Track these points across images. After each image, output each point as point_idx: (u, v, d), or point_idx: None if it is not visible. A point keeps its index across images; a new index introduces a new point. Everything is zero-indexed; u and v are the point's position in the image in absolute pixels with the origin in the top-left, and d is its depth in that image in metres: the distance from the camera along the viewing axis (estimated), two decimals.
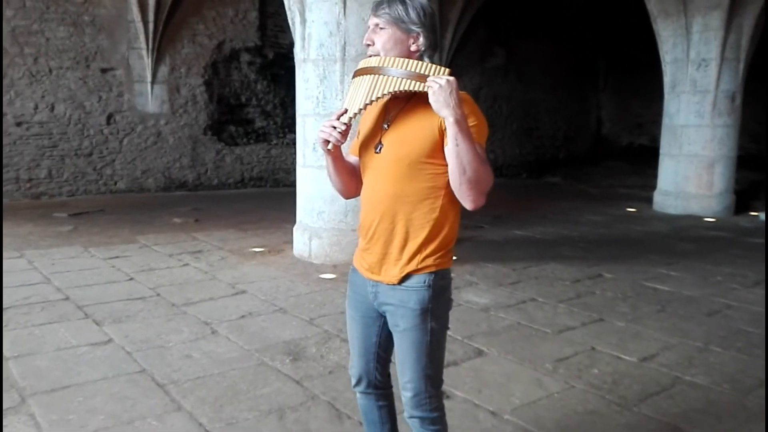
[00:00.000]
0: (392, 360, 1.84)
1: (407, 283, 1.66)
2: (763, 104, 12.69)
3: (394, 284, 1.67)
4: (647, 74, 12.26)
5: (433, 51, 1.69)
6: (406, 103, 1.67)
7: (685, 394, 2.84)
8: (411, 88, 1.58)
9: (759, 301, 4.38)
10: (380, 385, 1.87)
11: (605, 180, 12.85)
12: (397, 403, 1.90)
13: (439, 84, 1.51)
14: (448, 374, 2.97)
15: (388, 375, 1.90)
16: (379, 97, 1.62)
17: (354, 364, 1.88)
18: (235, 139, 10.77)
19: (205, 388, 2.81)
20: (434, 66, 1.57)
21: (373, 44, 1.67)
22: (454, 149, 1.52)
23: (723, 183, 8.57)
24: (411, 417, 1.75)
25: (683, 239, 6.79)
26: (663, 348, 3.42)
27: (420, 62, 1.60)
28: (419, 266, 1.65)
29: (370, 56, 1.68)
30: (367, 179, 1.74)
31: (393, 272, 1.67)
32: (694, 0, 8.18)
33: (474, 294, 4.45)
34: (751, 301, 4.39)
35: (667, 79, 8.82)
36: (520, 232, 7.09)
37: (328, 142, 1.67)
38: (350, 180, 1.82)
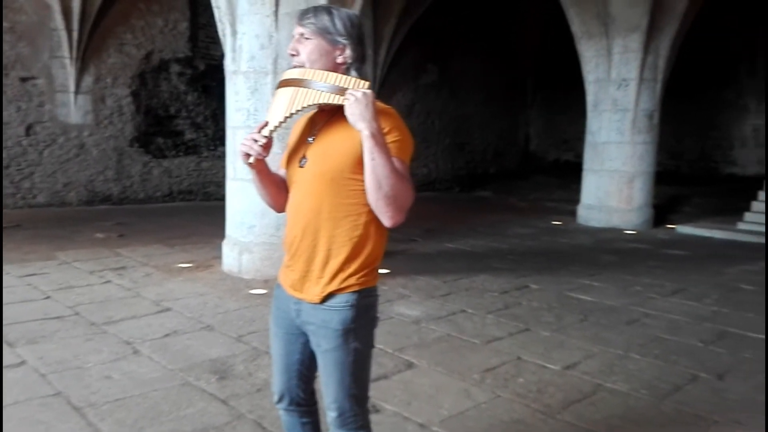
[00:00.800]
0: (316, 376, 1.81)
1: (329, 302, 1.62)
2: (679, 122, 13.48)
3: (316, 303, 1.63)
4: (572, 93, 12.78)
5: (361, 63, 1.65)
6: (332, 116, 1.64)
7: (606, 401, 2.94)
8: (330, 102, 1.56)
9: (675, 309, 4.61)
10: (303, 403, 1.84)
11: (533, 194, 13.27)
12: (323, 418, 1.88)
13: (355, 97, 1.49)
14: (377, 388, 2.97)
15: (312, 392, 1.87)
16: (299, 110, 1.59)
17: (276, 380, 1.83)
18: (164, 151, 10.46)
19: (124, 410, 2.69)
20: (354, 79, 1.55)
21: (298, 54, 1.63)
22: (370, 163, 1.49)
23: (642, 197, 9.00)
24: None
25: (605, 251, 7.08)
26: (585, 356, 3.54)
27: (340, 75, 1.57)
28: (342, 285, 1.61)
29: (295, 67, 1.64)
30: (292, 193, 1.70)
31: (315, 291, 1.63)
32: (615, 23, 8.61)
33: (405, 307, 4.47)
34: (668, 309, 4.61)
35: (589, 98, 9.22)
36: (451, 245, 7.20)
37: (250, 155, 1.63)
38: (278, 193, 1.77)
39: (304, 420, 1.87)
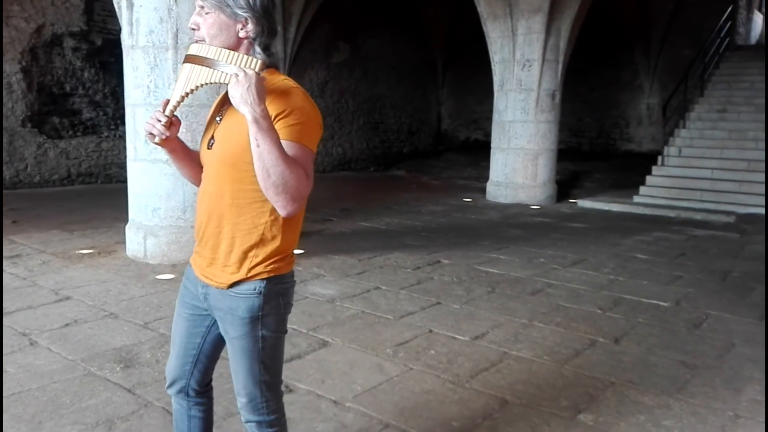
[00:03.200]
0: (215, 367, 1.78)
1: (236, 289, 1.55)
2: (580, 102, 14.15)
3: (223, 289, 1.57)
4: (481, 73, 13.08)
5: (269, 38, 1.55)
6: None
7: (511, 368, 3.08)
8: (217, 81, 1.47)
9: (576, 279, 4.87)
10: (193, 393, 1.76)
11: (445, 172, 13.56)
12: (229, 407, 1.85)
13: (237, 77, 1.40)
14: (291, 368, 2.97)
15: (207, 384, 1.80)
16: (194, 89, 1.51)
17: (170, 364, 1.76)
18: (60, 131, 9.82)
19: (20, 404, 2.54)
20: (244, 57, 1.46)
21: (199, 28, 1.53)
22: (256, 150, 1.39)
23: (546, 174, 9.41)
24: (248, 422, 1.68)
25: (512, 226, 7.36)
26: (493, 326, 3.68)
27: (231, 53, 1.47)
28: (249, 274, 1.54)
29: (196, 42, 1.54)
30: (202, 176, 1.62)
31: (222, 278, 1.57)
32: (519, 4, 8.87)
33: (320, 286, 4.47)
34: (569, 279, 4.87)
35: (496, 78, 9.49)
36: (366, 224, 7.25)
37: (154, 135, 1.55)
38: (200, 172, 1.67)
39: (193, 413, 1.79)
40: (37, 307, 3.80)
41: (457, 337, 3.49)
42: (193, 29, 1.55)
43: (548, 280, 4.81)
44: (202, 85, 1.50)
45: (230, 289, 1.56)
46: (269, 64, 1.55)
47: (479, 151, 13.80)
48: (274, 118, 1.44)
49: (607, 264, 5.39)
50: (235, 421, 2.43)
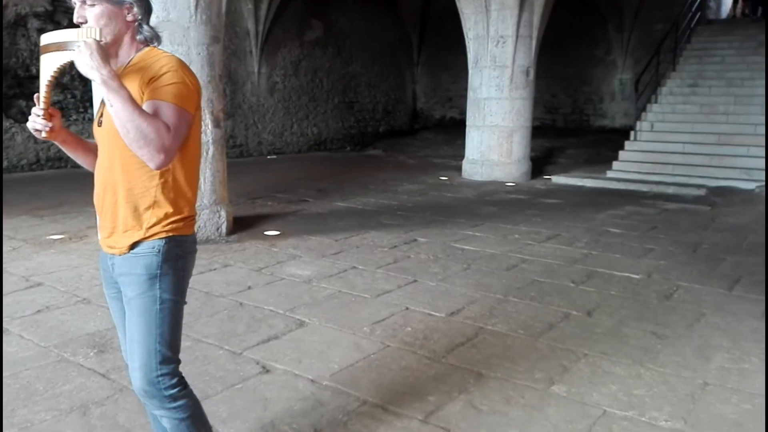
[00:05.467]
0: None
1: (136, 250, 1.61)
2: (554, 78, 14.19)
3: (124, 254, 1.62)
4: (455, 50, 13.04)
5: (150, 16, 1.67)
6: (122, 74, 1.60)
7: (486, 343, 3.12)
8: (68, 59, 1.51)
9: (550, 254, 4.93)
10: None
11: (422, 151, 13.55)
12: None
13: (79, 48, 1.46)
14: (268, 349, 2.97)
15: None
16: (55, 76, 1.54)
17: (121, 345, 1.78)
18: (27, 115, 9.52)
19: None
20: (87, 29, 1.50)
21: (86, 21, 1.58)
22: (111, 110, 1.46)
23: (521, 151, 9.46)
24: (144, 398, 1.67)
25: (487, 203, 7.41)
26: (468, 302, 3.72)
27: (72, 30, 1.50)
28: (147, 234, 1.60)
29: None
30: (98, 154, 1.69)
31: (122, 242, 1.62)
32: None
33: (297, 267, 4.46)
34: (543, 254, 4.92)
35: (470, 55, 9.45)
36: (343, 204, 7.23)
37: (40, 131, 1.59)
38: (95, 156, 1.74)
39: None
40: (8, 294, 3.73)
41: (434, 313, 3.52)
42: (81, 22, 1.59)
43: (523, 256, 4.86)
44: (59, 69, 1.54)
45: (130, 252, 1.61)
46: (149, 40, 1.65)
47: (455, 129, 13.81)
48: (148, 83, 1.53)
49: (581, 239, 5.46)
50: (211, 402, 2.43)
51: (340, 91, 14.86)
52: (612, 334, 3.25)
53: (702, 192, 7.90)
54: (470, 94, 9.63)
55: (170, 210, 1.62)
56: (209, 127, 5.27)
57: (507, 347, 3.07)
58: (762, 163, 8.52)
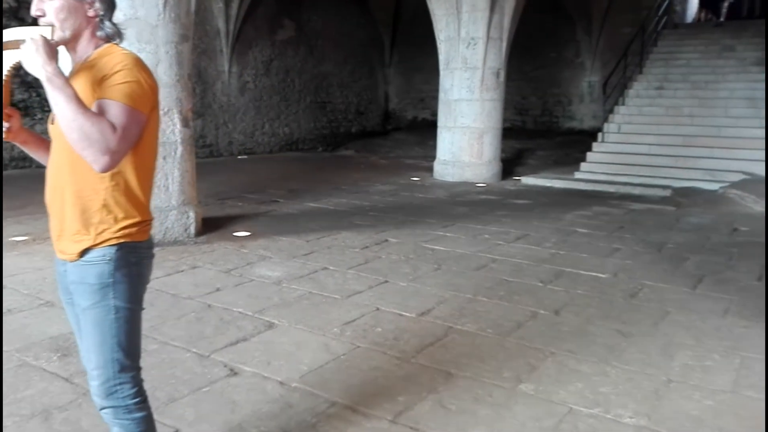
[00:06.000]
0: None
1: (86, 257, 1.54)
2: (524, 80, 14.36)
3: (75, 261, 1.55)
4: (427, 51, 13.09)
5: (112, 12, 1.60)
6: (78, 71, 1.56)
7: (456, 342, 3.14)
8: (18, 57, 1.46)
9: (519, 253, 4.98)
10: None
11: (394, 152, 13.58)
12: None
13: (26, 45, 1.41)
14: (236, 351, 2.94)
15: None
16: (8, 75, 1.49)
17: (81, 351, 1.72)
18: None
19: None
20: (33, 28, 1.46)
21: (44, 15, 1.52)
22: (55, 109, 1.40)
23: (491, 152, 9.55)
24: (102, 408, 1.63)
25: (458, 203, 7.46)
26: (438, 302, 3.74)
27: (26, 28, 1.46)
28: (97, 241, 1.53)
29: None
30: (50, 153, 1.62)
31: (72, 248, 1.55)
32: None
33: (267, 268, 4.43)
34: (512, 254, 4.97)
35: (441, 57, 9.51)
36: (314, 204, 7.20)
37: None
38: None
39: None
40: None
41: (404, 314, 3.52)
42: (39, 16, 1.53)
43: (492, 256, 4.91)
44: (12, 68, 1.49)
45: (81, 259, 1.54)
46: (110, 37, 1.59)
47: (427, 130, 13.87)
48: (100, 81, 1.47)
49: (549, 238, 5.53)
50: (177, 406, 2.40)
51: (312, 91, 14.81)
52: (579, 332, 3.30)
53: (667, 193, 8.07)
54: (442, 95, 9.68)
55: (121, 215, 1.55)
56: (177, 126, 5.21)
57: (476, 346, 3.09)
58: (724, 164, 8.74)
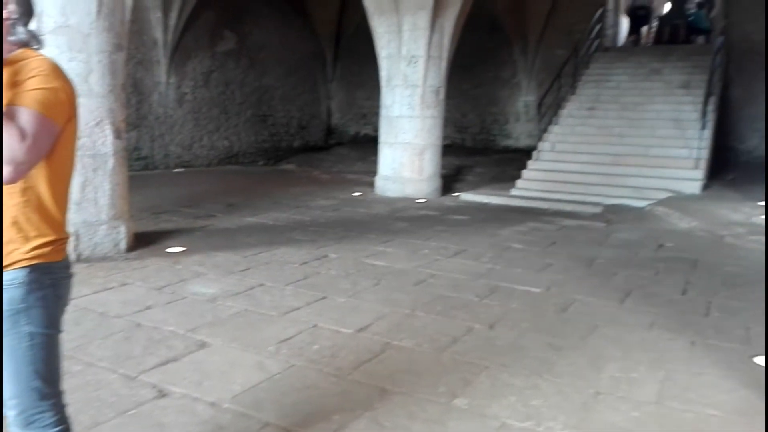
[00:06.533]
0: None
1: None
2: (463, 98, 14.67)
3: None
4: (369, 67, 13.19)
5: (29, 17, 1.53)
6: None
7: (392, 358, 3.14)
8: None
9: (456, 269, 5.05)
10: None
11: (336, 166, 13.55)
12: None
13: None
14: (165, 372, 2.85)
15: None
16: None
17: None
18: None
19: None
20: None
21: None
22: None
23: (432, 168, 9.67)
24: None
25: (399, 219, 7.51)
26: (377, 318, 3.74)
27: None
28: (6, 263, 1.44)
29: None
30: None
31: None
32: (404, 0, 9.02)
33: (201, 285, 4.32)
34: (450, 269, 5.04)
35: (383, 73, 9.60)
36: (253, 219, 7.10)
37: None
38: None
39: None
40: None
41: (342, 330, 3.50)
42: None
43: (431, 271, 4.95)
44: None
45: None
46: (24, 43, 1.50)
47: (369, 145, 13.92)
48: (11, 87, 1.39)
49: (486, 254, 5.63)
50: (102, 430, 2.30)
51: (253, 104, 14.64)
52: (512, 346, 3.36)
53: (598, 209, 8.37)
54: (383, 111, 9.76)
55: (33, 233, 1.45)
56: (110, 138, 5.04)
57: (412, 362, 3.10)
58: (651, 182, 9.16)
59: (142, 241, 5.45)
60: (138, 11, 11.39)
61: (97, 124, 4.94)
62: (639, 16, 14.97)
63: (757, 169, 10.92)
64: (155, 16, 11.85)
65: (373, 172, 10.31)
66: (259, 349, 3.17)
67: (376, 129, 10.94)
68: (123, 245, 5.12)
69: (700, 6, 14.95)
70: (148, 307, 3.78)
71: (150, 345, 3.17)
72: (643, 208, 8.38)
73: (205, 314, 3.70)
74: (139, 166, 11.80)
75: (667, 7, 14.83)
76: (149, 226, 6.29)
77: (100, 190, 5.02)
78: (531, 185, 9.75)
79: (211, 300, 3.98)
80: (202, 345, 3.21)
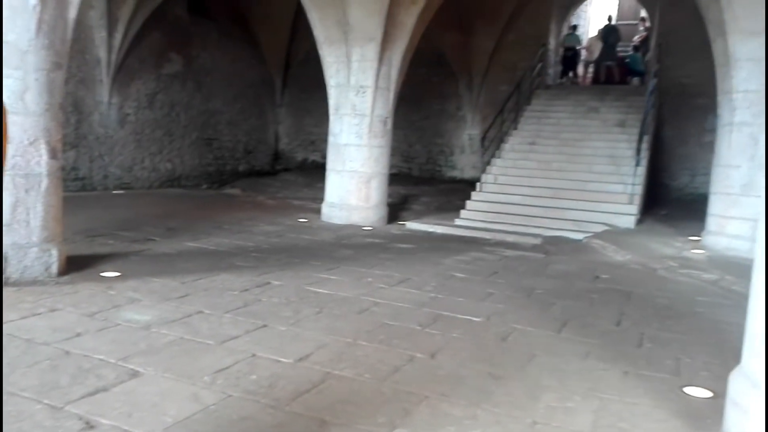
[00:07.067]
0: None
1: None
2: (411, 129, 14.90)
3: None
4: (317, 95, 13.27)
5: None
6: None
7: (332, 388, 3.10)
8: None
9: (400, 297, 5.06)
10: None
11: (282, 192, 13.47)
12: None
13: None
14: (93, 402, 2.72)
15: None
16: None
17: None
18: None
19: None
20: None
21: None
22: None
23: (378, 196, 9.74)
24: None
25: (344, 246, 7.49)
26: (318, 347, 3.69)
27: None
28: None
29: None
30: None
31: None
32: (354, 32, 9.15)
33: (135, 311, 4.17)
34: (394, 298, 5.04)
35: (331, 102, 9.67)
36: (193, 244, 6.94)
37: None
38: None
39: None
40: None
41: (281, 360, 3.44)
42: None
43: (375, 299, 4.94)
44: None
45: None
46: None
47: (316, 172, 13.92)
48: None
49: (429, 282, 5.68)
50: None
51: (198, 127, 14.44)
52: (452, 375, 3.38)
53: (538, 241, 8.59)
54: (331, 139, 9.80)
55: None
56: (44, 157, 4.86)
57: (353, 392, 3.07)
58: (589, 216, 9.49)
59: (75, 265, 5.24)
60: (81, 29, 11.14)
61: (32, 143, 4.76)
62: (567, 57, 15.68)
63: (688, 205, 11.50)
64: (99, 35, 11.61)
65: (320, 199, 10.28)
66: (194, 379, 3.07)
67: (323, 156, 10.98)
68: (54, 269, 4.91)
69: (636, 49, 15.82)
70: (78, 334, 3.62)
71: (78, 374, 3.03)
72: (580, 240, 8.65)
73: (139, 342, 3.56)
74: (77, 186, 11.40)
75: (599, 48, 15.65)
76: (83, 249, 6.06)
77: (32, 212, 4.82)
78: (475, 215, 9.94)
79: (146, 327, 3.85)
80: (134, 374, 3.09)
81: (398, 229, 9.41)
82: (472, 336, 4.12)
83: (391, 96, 9.61)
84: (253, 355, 3.48)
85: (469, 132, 14.87)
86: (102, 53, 11.77)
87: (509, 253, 7.72)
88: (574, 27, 16.48)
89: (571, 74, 15.91)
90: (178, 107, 13.78)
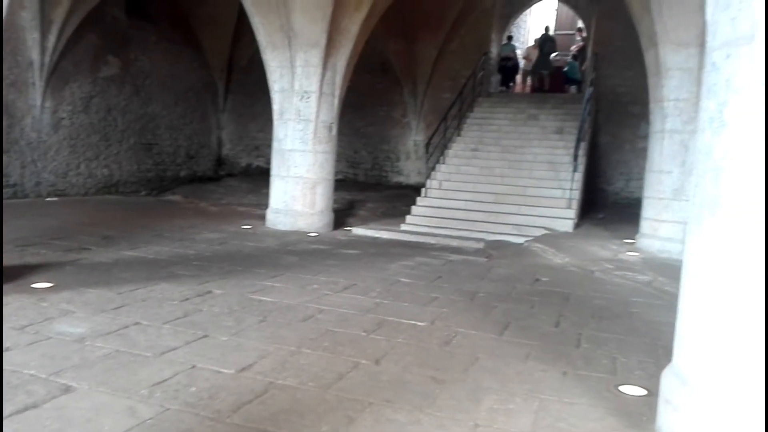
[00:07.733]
0: None
1: None
2: (356, 135, 14.93)
3: None
4: (261, 100, 13.13)
5: None
6: None
7: (275, 398, 3.05)
8: None
9: (345, 303, 5.04)
10: None
11: (225, 198, 13.23)
12: None
13: None
14: (24, 420, 2.60)
15: None
16: None
17: None
18: None
19: None
20: None
21: None
22: None
23: (324, 202, 9.70)
24: None
25: (289, 253, 7.42)
26: (260, 356, 3.63)
27: None
28: None
29: None
30: None
31: None
32: (298, 37, 9.10)
33: (68, 324, 4.00)
34: (339, 304, 5.02)
35: (275, 107, 9.58)
36: (131, 253, 6.72)
37: None
38: None
39: None
40: None
41: (222, 370, 3.37)
42: None
43: (319, 306, 4.91)
44: None
45: None
46: None
47: (261, 177, 13.75)
48: None
49: (375, 288, 5.68)
50: None
51: (136, 132, 14.03)
52: (396, 381, 3.39)
53: (481, 245, 8.74)
54: (275, 144, 9.71)
55: None
56: None
57: (296, 401, 3.03)
58: (529, 220, 9.72)
59: (4, 277, 4.98)
60: (12, 30, 10.67)
61: None
62: (506, 67, 16.08)
63: (623, 209, 11.94)
64: (32, 36, 11.15)
65: (265, 205, 10.16)
66: (130, 393, 2.97)
67: (268, 161, 10.87)
68: None
69: (574, 57, 16.35)
70: (7, 349, 3.44)
71: (7, 391, 2.88)
72: (521, 244, 8.85)
73: (72, 356, 3.42)
74: (7, 194, 10.89)
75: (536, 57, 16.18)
76: (13, 259, 5.78)
77: None
78: (420, 221, 10.03)
79: (79, 340, 3.70)
80: (67, 389, 2.96)
81: (344, 235, 9.39)
82: (417, 341, 4.15)
83: (336, 102, 9.60)
84: (193, 367, 3.39)
85: (414, 138, 15.02)
86: (35, 55, 11.29)
87: (453, 257, 7.82)
88: (510, 37, 16.91)
89: (511, 84, 16.31)
90: (115, 111, 13.35)
